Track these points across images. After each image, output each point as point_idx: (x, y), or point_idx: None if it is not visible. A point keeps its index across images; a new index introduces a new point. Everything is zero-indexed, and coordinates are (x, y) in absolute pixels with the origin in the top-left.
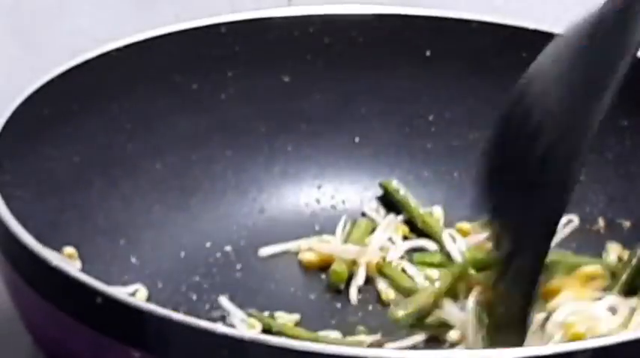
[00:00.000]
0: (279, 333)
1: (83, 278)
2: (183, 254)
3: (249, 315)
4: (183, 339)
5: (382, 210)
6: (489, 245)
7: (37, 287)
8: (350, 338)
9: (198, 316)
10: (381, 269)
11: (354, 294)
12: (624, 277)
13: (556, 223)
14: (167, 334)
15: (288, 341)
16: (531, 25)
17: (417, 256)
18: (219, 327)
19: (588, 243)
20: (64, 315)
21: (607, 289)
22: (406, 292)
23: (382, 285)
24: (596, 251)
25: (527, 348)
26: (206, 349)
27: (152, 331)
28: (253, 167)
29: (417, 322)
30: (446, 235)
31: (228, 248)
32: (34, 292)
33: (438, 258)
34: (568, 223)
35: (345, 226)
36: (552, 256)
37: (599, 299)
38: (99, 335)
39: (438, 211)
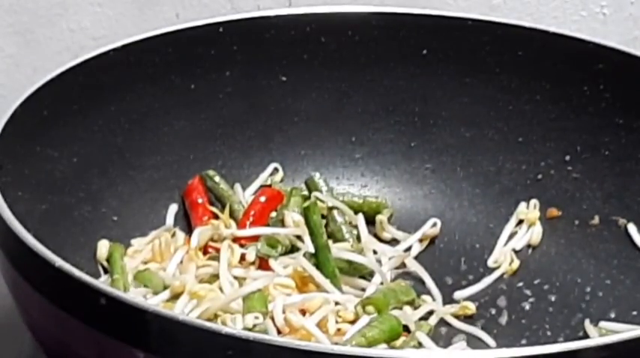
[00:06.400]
0: None
1: (87, 279)
2: None
3: None
4: (188, 340)
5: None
6: None
7: (39, 288)
8: None
9: None
10: None
11: None
12: None
13: None
14: (171, 334)
15: (293, 341)
16: (528, 23)
17: None
18: (224, 328)
19: (584, 240)
20: (68, 316)
21: None
22: None
23: None
24: (593, 248)
25: (528, 348)
26: (211, 349)
27: (156, 332)
28: (250, 166)
29: None
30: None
31: None
32: (37, 293)
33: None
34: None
35: None
36: None
37: None
38: (103, 336)
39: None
